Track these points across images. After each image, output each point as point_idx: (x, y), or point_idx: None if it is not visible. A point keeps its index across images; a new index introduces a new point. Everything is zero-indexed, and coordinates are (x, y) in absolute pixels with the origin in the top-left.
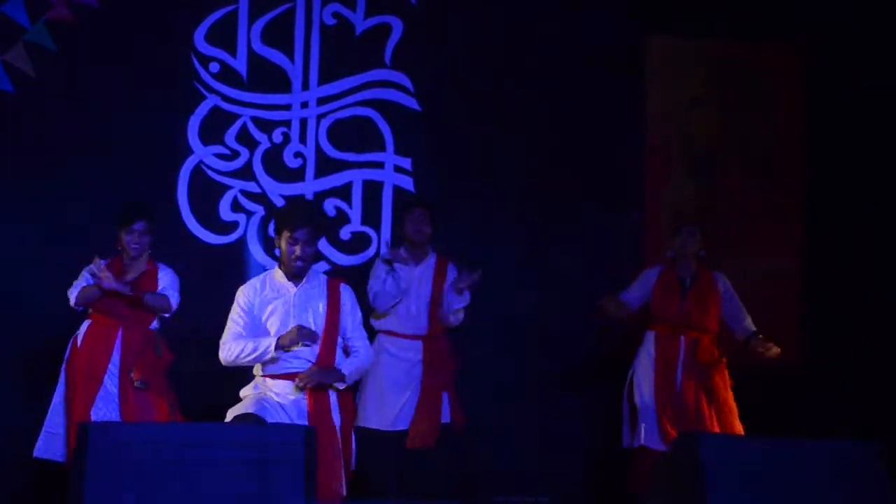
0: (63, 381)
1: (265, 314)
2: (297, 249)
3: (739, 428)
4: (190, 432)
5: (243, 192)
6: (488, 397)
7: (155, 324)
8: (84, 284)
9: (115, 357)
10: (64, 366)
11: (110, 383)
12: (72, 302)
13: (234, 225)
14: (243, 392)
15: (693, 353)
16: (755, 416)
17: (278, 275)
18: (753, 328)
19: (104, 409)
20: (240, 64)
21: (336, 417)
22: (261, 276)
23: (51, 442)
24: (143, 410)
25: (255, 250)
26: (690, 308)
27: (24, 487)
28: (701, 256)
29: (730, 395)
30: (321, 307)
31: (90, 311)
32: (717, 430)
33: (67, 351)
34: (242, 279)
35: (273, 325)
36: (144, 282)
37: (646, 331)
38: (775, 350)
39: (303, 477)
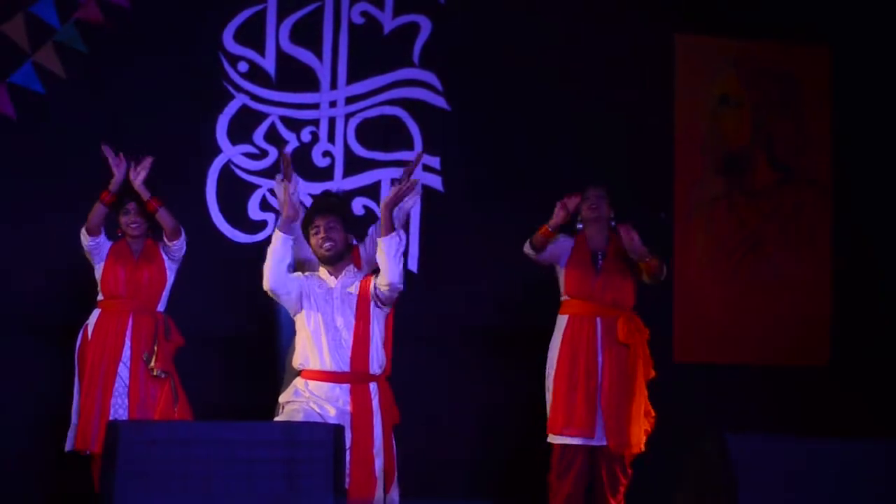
0: (77, 372)
1: (307, 297)
2: (321, 233)
3: (645, 420)
4: (219, 431)
5: (272, 192)
6: None
7: (162, 305)
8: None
9: (127, 344)
10: (76, 356)
11: (123, 370)
12: (84, 232)
13: (263, 224)
14: (283, 398)
15: (612, 334)
16: (784, 416)
17: (321, 272)
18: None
19: (119, 398)
20: (268, 63)
21: (377, 419)
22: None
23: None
24: (150, 396)
25: None
26: (605, 283)
27: (57, 481)
28: (612, 226)
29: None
30: (355, 302)
31: (100, 298)
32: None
33: (78, 341)
34: None
35: (311, 315)
36: (150, 255)
37: (558, 316)
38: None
39: (331, 476)
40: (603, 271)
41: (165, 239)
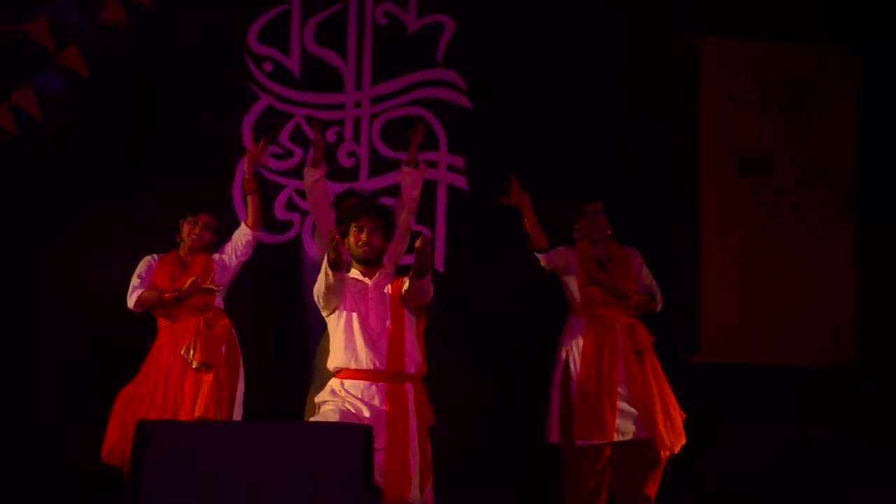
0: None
1: (344, 299)
2: (364, 235)
3: (681, 412)
4: (248, 430)
5: (298, 192)
6: None
7: (218, 300)
8: (139, 288)
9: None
10: (144, 365)
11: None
12: (131, 304)
13: (289, 224)
14: (318, 398)
15: (633, 337)
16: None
17: (354, 272)
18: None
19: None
20: (293, 63)
21: (413, 419)
22: None
23: None
24: (186, 392)
25: (311, 249)
26: (615, 283)
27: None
28: (608, 236)
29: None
30: (389, 301)
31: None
32: (661, 417)
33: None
34: (297, 278)
35: (346, 314)
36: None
37: (571, 319)
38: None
39: (361, 476)
40: (611, 276)
41: (245, 225)
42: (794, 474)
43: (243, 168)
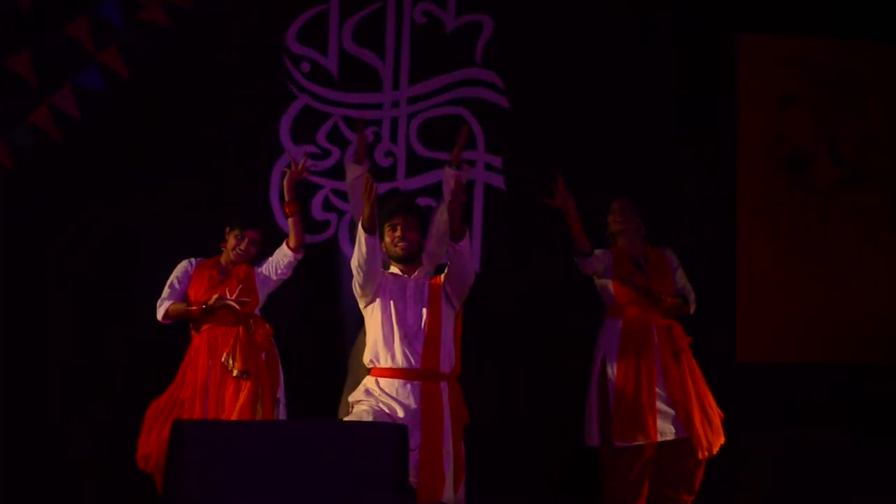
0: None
1: (382, 289)
2: (399, 231)
3: (719, 412)
4: (282, 430)
5: (334, 192)
6: None
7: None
8: (168, 300)
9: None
10: (181, 372)
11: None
12: (159, 316)
13: (326, 224)
14: (352, 397)
15: (669, 338)
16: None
17: (393, 269)
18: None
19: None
20: (331, 63)
21: (447, 418)
22: None
23: None
24: (226, 399)
25: (347, 249)
26: (654, 289)
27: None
28: (643, 234)
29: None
30: (427, 299)
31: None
32: (699, 417)
33: (184, 358)
34: (334, 278)
35: (384, 309)
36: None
37: (607, 320)
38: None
39: (395, 476)
40: (649, 276)
41: (287, 247)
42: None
43: (284, 186)
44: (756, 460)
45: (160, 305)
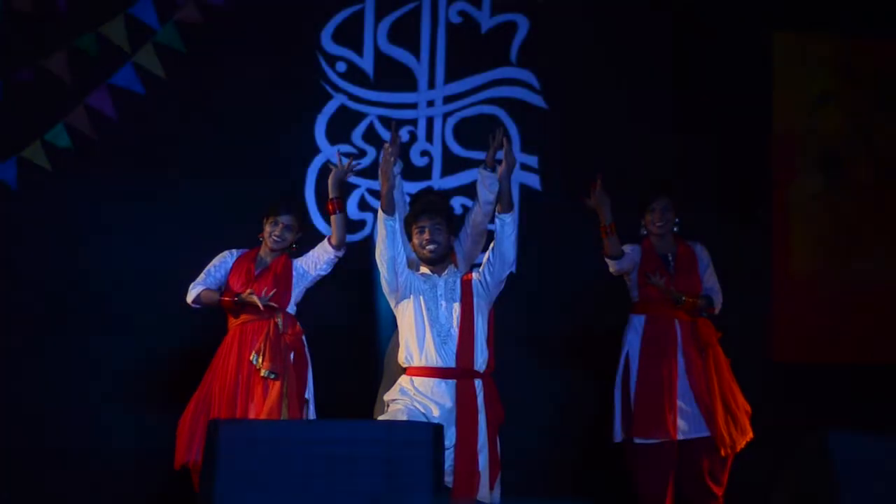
0: (205, 383)
1: (412, 289)
2: (426, 234)
3: (746, 408)
4: (317, 429)
5: (370, 191)
6: None
7: (292, 306)
8: (201, 285)
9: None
10: (210, 370)
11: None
12: (189, 298)
13: (362, 224)
14: (387, 396)
15: (695, 334)
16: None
17: (424, 269)
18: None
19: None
20: (366, 63)
21: (482, 416)
22: None
23: None
24: (256, 397)
25: None
26: (679, 284)
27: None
28: (675, 231)
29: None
30: (459, 297)
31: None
32: (721, 414)
33: (216, 353)
34: (369, 278)
35: (415, 309)
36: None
37: (632, 317)
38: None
39: (431, 475)
40: (676, 273)
41: (329, 244)
42: None
43: (329, 183)
44: (792, 461)
45: (192, 288)
